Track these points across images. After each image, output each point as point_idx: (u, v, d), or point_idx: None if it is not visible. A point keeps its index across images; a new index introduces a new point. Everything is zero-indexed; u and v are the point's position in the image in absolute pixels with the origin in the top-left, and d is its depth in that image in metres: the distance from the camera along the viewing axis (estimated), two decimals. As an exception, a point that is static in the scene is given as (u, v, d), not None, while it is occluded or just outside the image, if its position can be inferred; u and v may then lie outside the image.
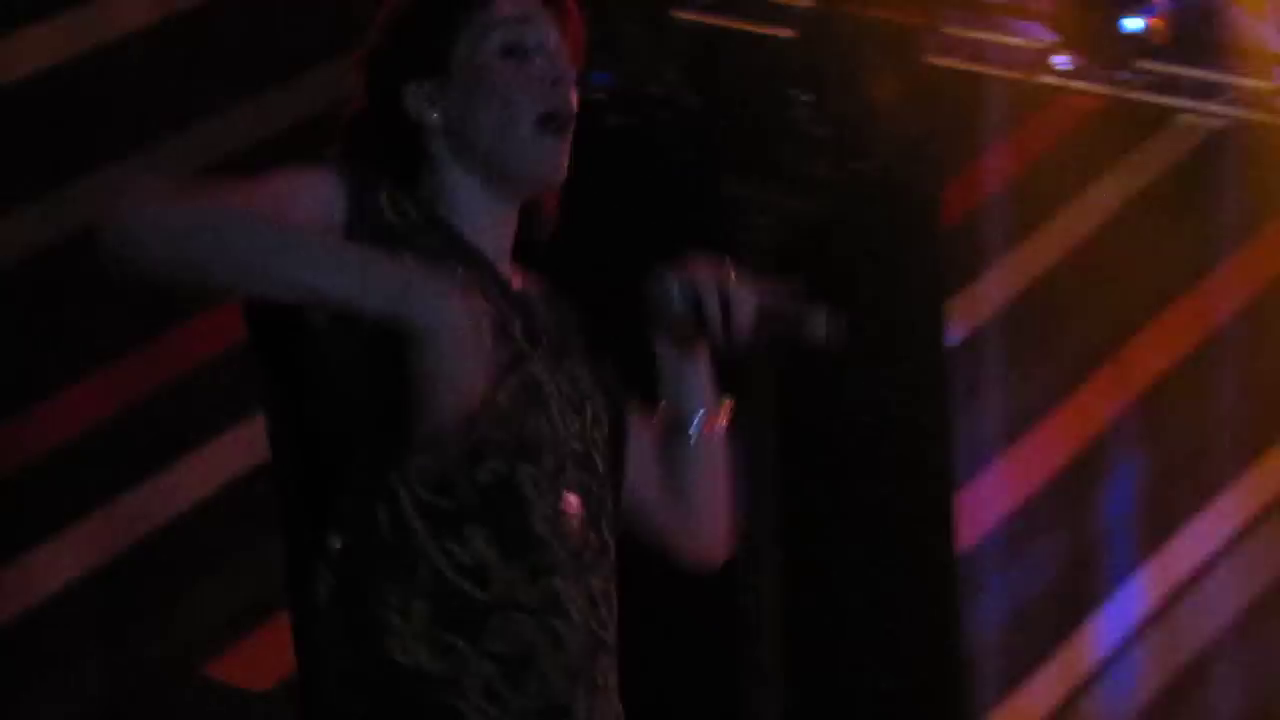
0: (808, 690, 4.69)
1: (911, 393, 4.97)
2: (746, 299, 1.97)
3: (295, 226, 1.79)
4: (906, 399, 4.96)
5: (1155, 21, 4.99)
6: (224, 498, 4.21)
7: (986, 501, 5.29)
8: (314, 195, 1.85)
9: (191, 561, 4.14)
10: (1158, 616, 5.38)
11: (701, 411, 2.03)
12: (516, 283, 1.97)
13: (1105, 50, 5.10)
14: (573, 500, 1.87)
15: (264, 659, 4.03)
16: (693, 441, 2.02)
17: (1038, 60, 5.34)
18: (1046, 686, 5.21)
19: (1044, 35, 5.28)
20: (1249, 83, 5.52)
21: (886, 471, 4.87)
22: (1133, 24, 5.06)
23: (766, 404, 4.71)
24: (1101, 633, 5.33)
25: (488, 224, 1.96)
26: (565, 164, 1.96)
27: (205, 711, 3.98)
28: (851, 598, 4.80)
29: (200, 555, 4.12)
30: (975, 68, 5.30)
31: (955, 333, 5.29)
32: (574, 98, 1.97)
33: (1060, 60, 5.32)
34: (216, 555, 4.15)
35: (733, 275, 1.98)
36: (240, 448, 4.13)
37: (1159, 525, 5.46)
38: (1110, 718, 5.25)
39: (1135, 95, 5.44)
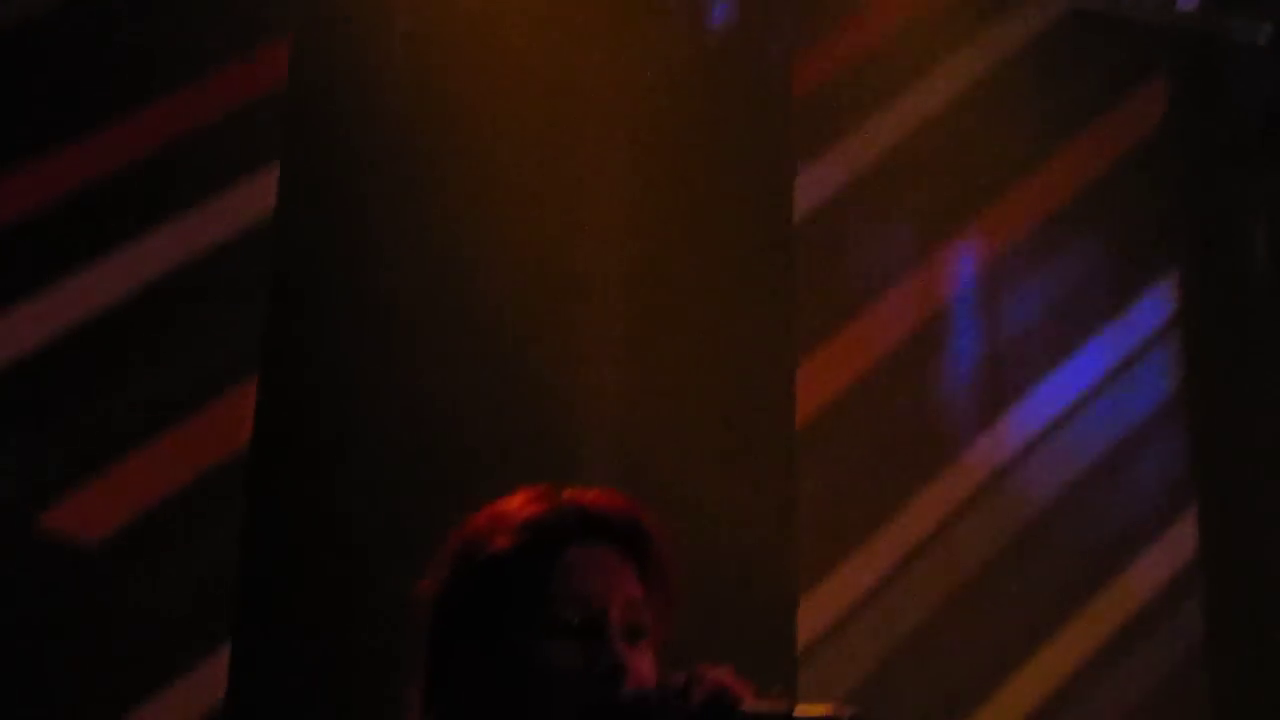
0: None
1: (753, 266, 5.00)
2: None
3: None
4: (747, 275, 4.98)
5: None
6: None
7: (828, 372, 5.35)
8: None
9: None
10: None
11: None
12: None
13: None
14: None
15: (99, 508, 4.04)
16: None
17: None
18: (881, 551, 5.31)
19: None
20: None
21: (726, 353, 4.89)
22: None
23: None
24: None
25: None
26: None
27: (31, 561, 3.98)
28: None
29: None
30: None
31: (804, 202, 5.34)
32: (637, 683, 1.81)
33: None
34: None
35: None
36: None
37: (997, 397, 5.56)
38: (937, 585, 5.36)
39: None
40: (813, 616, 5.06)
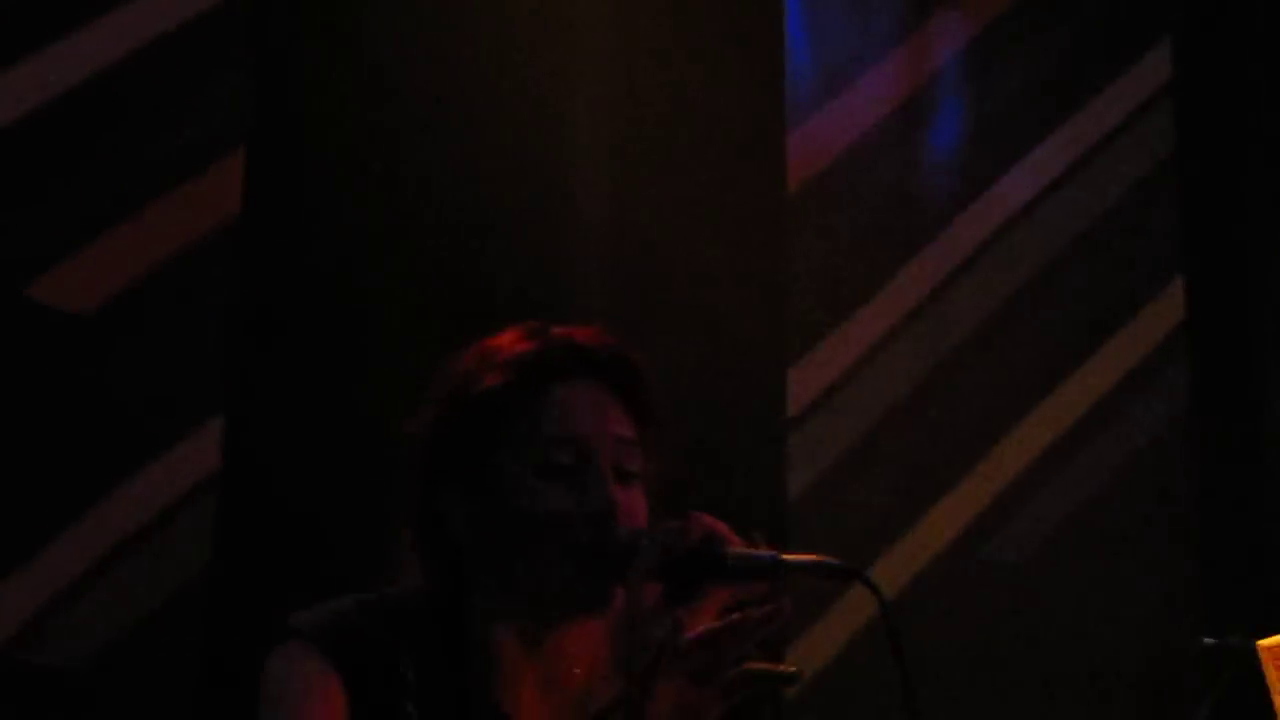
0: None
1: (740, 36, 4.95)
2: None
3: None
4: (735, 46, 4.94)
5: None
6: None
7: (817, 142, 5.33)
8: (321, 710, 1.78)
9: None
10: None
11: None
12: (526, 716, 1.84)
13: None
14: None
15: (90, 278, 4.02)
16: None
17: None
18: (870, 320, 5.34)
19: None
20: None
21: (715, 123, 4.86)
22: None
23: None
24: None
25: (514, 660, 1.85)
26: (607, 595, 1.80)
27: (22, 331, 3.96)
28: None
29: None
30: None
31: None
32: (628, 523, 1.80)
33: None
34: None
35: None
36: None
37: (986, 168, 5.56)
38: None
39: None
40: (803, 386, 5.10)
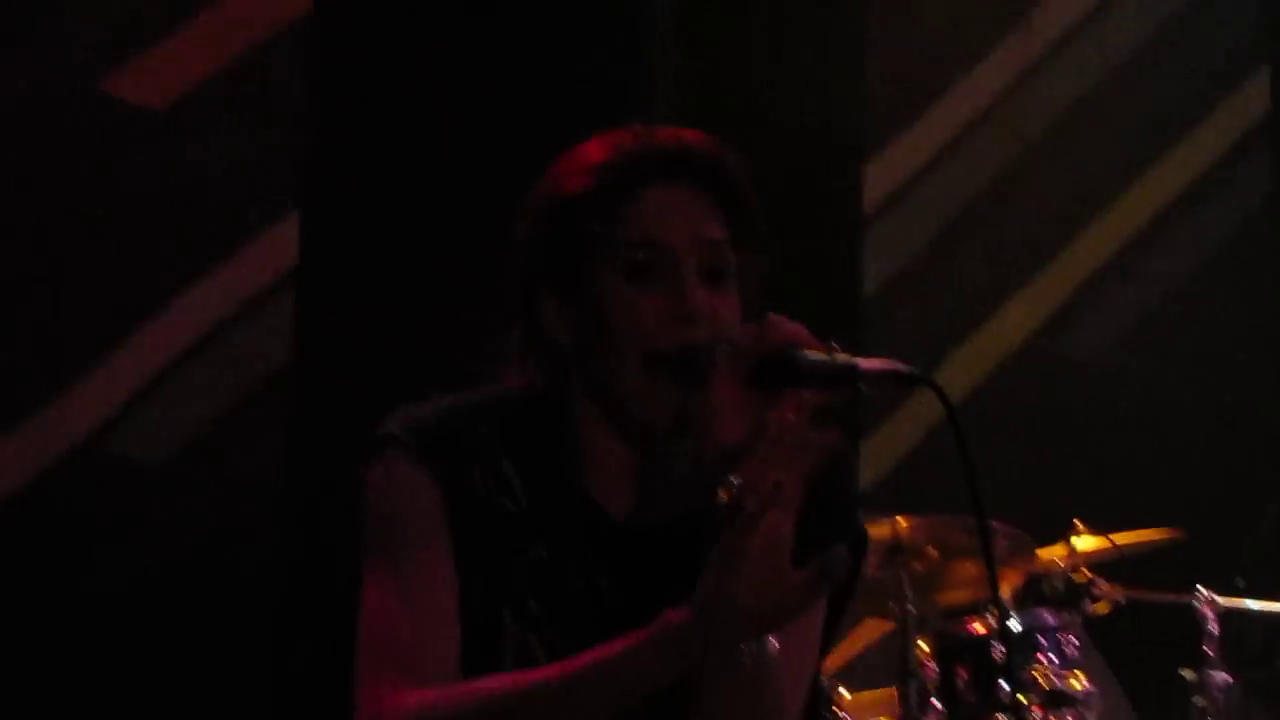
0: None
1: None
2: None
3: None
4: None
5: None
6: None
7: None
8: (425, 522, 1.81)
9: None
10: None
11: None
12: (622, 512, 1.85)
13: None
14: None
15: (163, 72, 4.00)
16: None
17: None
18: (948, 114, 5.29)
19: None
20: None
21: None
22: None
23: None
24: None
25: (611, 457, 1.85)
26: (688, 400, 1.77)
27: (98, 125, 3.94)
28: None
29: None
30: None
31: None
32: (715, 327, 1.78)
33: None
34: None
35: None
36: None
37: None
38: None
39: None
40: (879, 181, 5.07)
